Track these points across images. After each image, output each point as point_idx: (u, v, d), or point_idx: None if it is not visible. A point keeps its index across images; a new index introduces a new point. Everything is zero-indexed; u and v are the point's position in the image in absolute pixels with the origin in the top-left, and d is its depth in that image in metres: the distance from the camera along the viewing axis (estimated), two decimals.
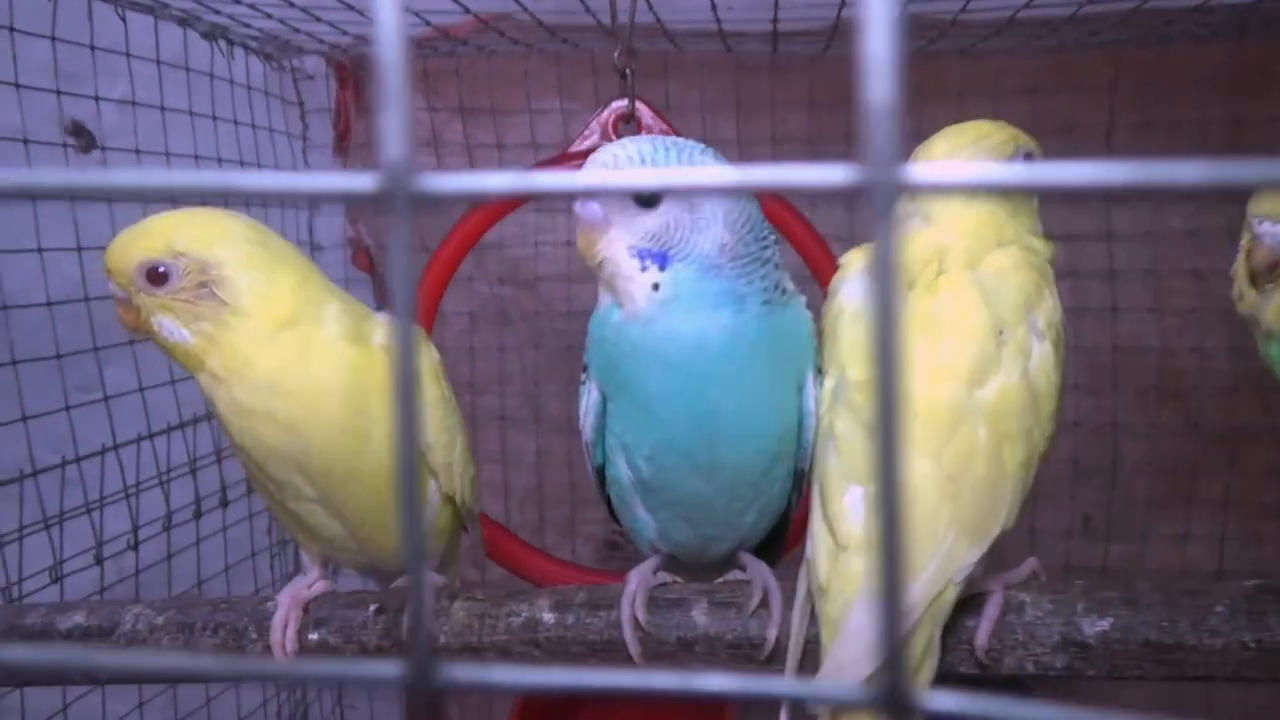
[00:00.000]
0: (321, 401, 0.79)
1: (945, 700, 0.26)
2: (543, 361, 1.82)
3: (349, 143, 1.81)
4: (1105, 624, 0.78)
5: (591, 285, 1.84)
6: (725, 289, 0.80)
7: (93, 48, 1.30)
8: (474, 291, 1.82)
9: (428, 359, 0.88)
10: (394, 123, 0.25)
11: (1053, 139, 1.58)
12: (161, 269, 0.78)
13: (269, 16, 1.30)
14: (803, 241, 1.25)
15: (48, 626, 0.84)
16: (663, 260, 0.79)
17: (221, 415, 0.81)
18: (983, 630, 0.79)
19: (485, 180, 0.26)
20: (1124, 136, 1.64)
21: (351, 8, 1.25)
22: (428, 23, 1.34)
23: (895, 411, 0.25)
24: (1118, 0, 1.24)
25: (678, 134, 1.28)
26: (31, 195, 0.29)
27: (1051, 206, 1.66)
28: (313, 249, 1.81)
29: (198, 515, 1.43)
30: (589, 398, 0.89)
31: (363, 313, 0.87)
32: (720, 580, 0.88)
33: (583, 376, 0.90)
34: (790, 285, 0.85)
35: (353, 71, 1.77)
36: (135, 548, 1.32)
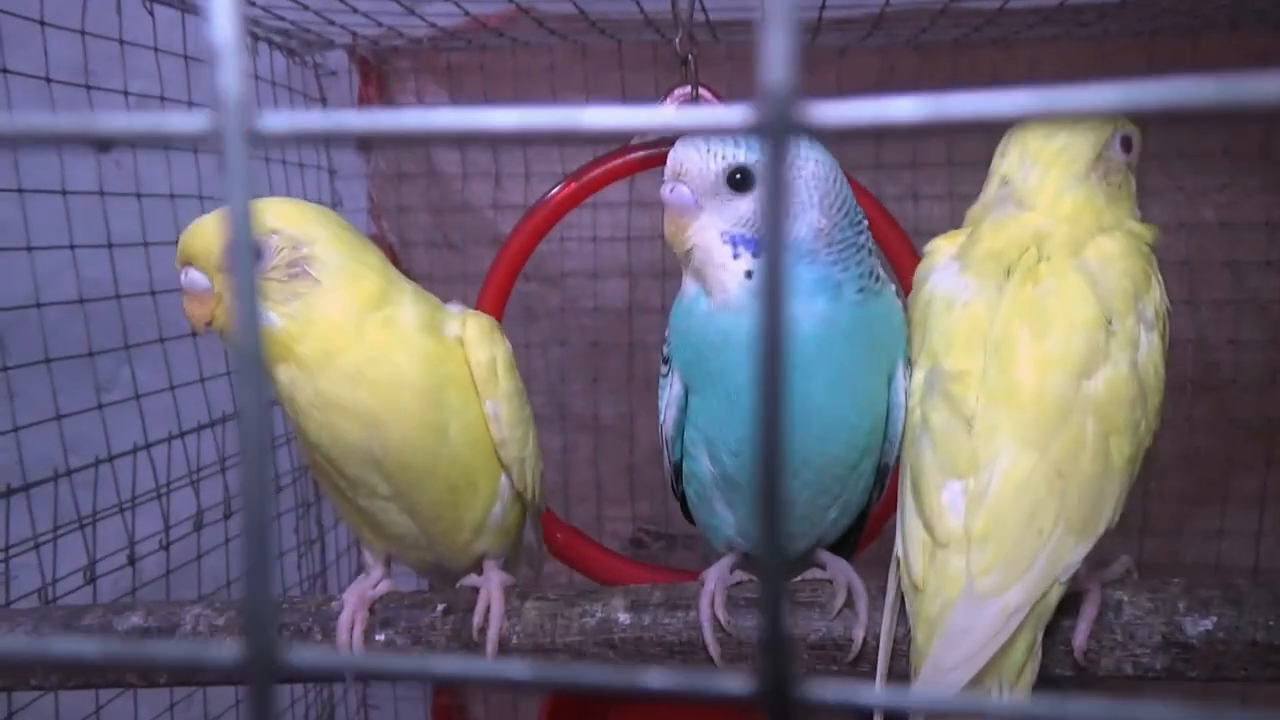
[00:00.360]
0: (402, 394, 0.77)
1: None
2: (568, 358, 1.81)
3: (373, 139, 1.79)
4: (1209, 623, 0.76)
5: (616, 281, 1.83)
6: (821, 275, 0.78)
7: (121, 42, 1.29)
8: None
9: (503, 350, 0.86)
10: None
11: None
12: (255, 247, 0.76)
13: (305, 8, 1.29)
14: (883, 233, 1.22)
15: (105, 628, 0.82)
16: (756, 247, 0.77)
17: (301, 410, 0.78)
18: (1080, 631, 0.77)
19: (884, 107, 0.24)
20: (1156, 127, 1.62)
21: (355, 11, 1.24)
22: (466, 12, 1.32)
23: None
24: None
25: None
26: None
27: None
28: None
29: (227, 515, 1.41)
30: (671, 390, 0.87)
31: (435, 303, 0.85)
32: (799, 579, 0.86)
33: (663, 369, 0.88)
34: (884, 272, 0.83)
35: (375, 66, 1.76)
36: (167, 548, 1.30)
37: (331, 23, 1.39)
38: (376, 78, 1.77)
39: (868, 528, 0.95)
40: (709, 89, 1.18)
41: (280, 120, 0.25)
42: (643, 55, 1.66)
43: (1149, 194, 1.65)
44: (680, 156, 0.79)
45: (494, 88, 1.73)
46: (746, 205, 0.77)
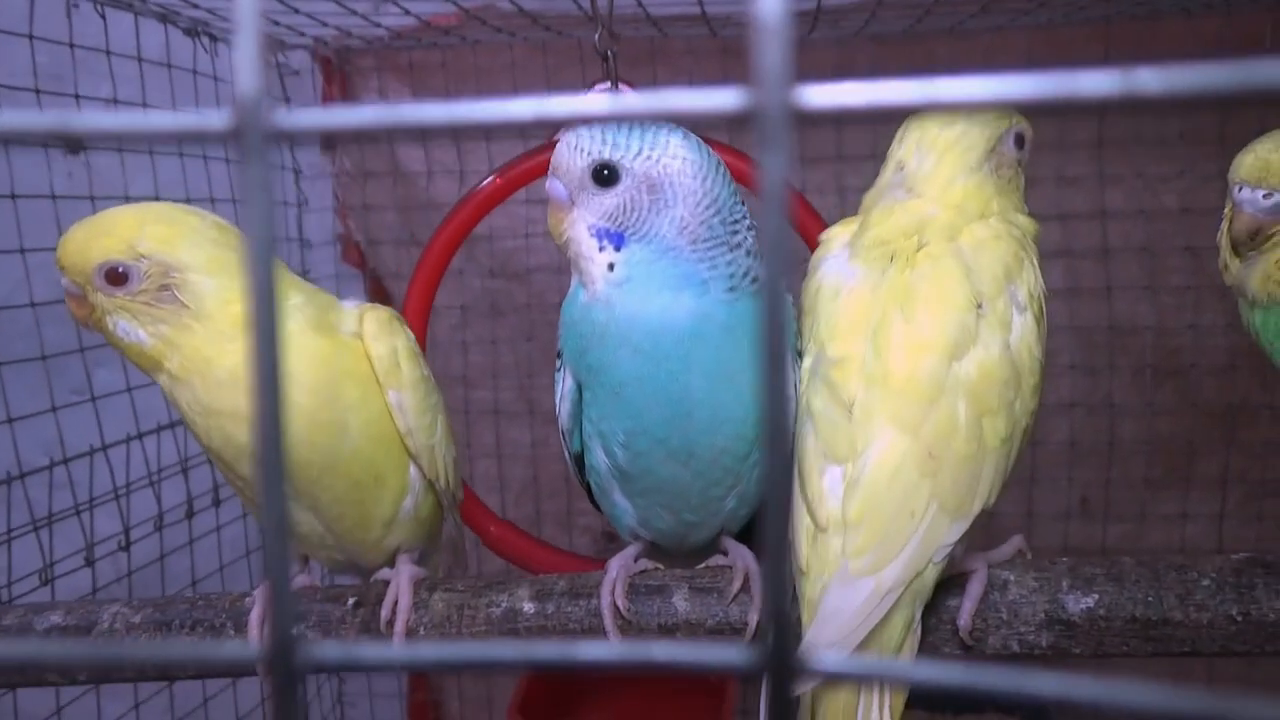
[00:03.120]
0: (289, 394, 0.78)
1: (830, 660, 0.25)
2: (535, 354, 1.81)
3: (337, 138, 1.80)
4: (1090, 600, 0.77)
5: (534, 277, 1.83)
6: (684, 272, 0.79)
7: (72, 46, 1.29)
8: (465, 285, 1.81)
9: (403, 340, 0.86)
10: (247, 55, 0.24)
11: (1045, 116, 1.57)
12: (121, 270, 0.75)
13: None
14: (801, 220, 1.24)
15: (25, 627, 0.83)
16: (619, 240, 0.79)
17: (186, 415, 0.79)
18: (965, 610, 0.78)
19: (340, 115, 0.25)
20: (1114, 113, 1.63)
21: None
22: (409, 14, 1.33)
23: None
24: None
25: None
26: None
27: (1045, 186, 1.66)
28: (302, 245, 1.81)
29: (189, 515, 1.42)
30: (564, 384, 0.88)
31: (328, 302, 0.85)
32: (702, 566, 0.87)
33: (557, 363, 0.89)
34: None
35: (338, 66, 1.77)
36: (127, 548, 1.31)
37: (277, 23, 1.39)
38: (340, 77, 1.78)
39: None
40: (628, 84, 1.19)
41: (303, 118, 0.25)
42: (586, 52, 1.67)
43: (1109, 180, 1.67)
44: (556, 153, 0.80)
45: (456, 85, 1.74)
46: (611, 200, 0.79)
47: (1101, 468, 1.65)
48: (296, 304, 0.81)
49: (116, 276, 0.76)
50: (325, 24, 1.39)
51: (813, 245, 1.20)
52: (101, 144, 1.54)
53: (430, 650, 0.27)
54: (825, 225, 1.25)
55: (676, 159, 0.79)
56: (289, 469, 0.78)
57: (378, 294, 1.82)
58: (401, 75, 1.77)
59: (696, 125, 0.97)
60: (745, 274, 0.81)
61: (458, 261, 1.80)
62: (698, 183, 0.79)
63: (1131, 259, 1.64)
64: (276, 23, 1.39)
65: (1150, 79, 0.23)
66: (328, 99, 1.78)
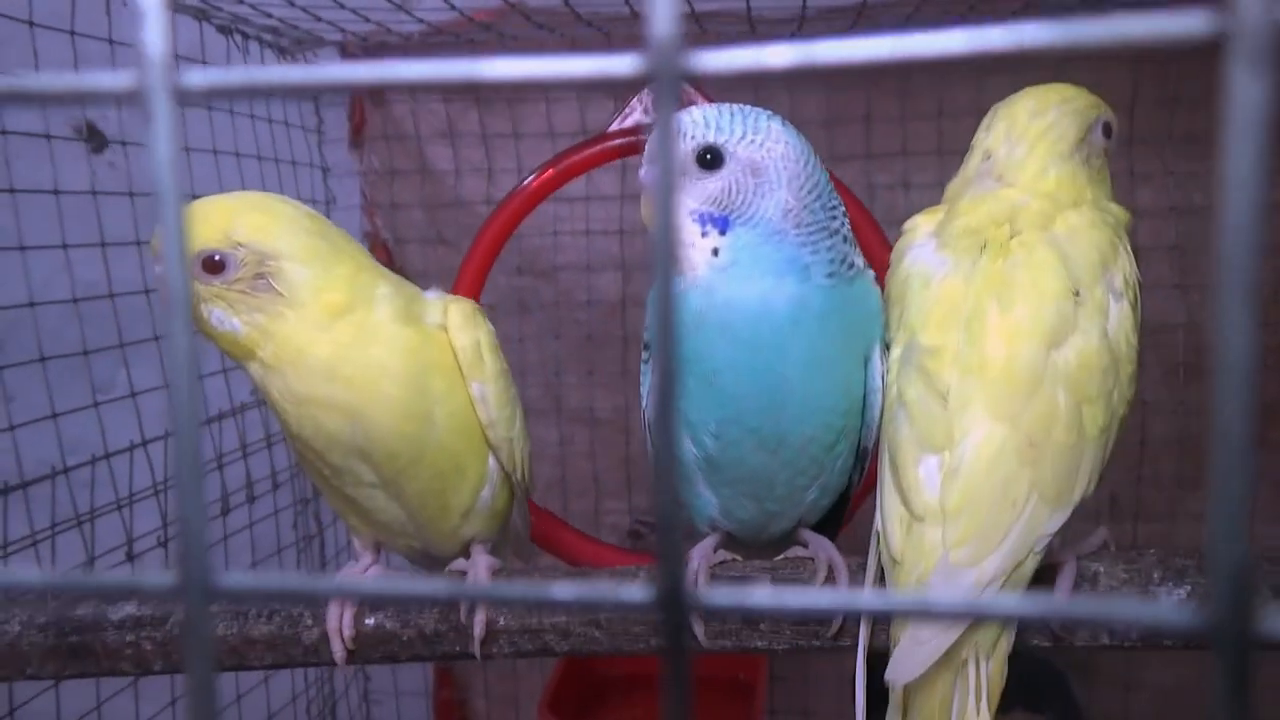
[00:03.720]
0: (381, 384, 0.77)
1: (721, 596, 0.26)
2: (563, 351, 1.81)
3: (364, 135, 1.80)
4: (1182, 591, 0.77)
5: (609, 274, 1.84)
6: (789, 256, 0.78)
7: (111, 42, 1.29)
8: (493, 282, 1.79)
9: (486, 332, 0.86)
10: (663, 2, 0.25)
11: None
12: (218, 258, 0.75)
13: (291, 4, 1.29)
14: (856, 223, 1.24)
15: (99, 618, 0.83)
16: (723, 224, 0.78)
17: (276, 404, 0.79)
18: (1059, 597, 0.77)
19: (761, 54, 0.25)
20: (1145, 110, 1.63)
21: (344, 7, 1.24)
22: (454, 7, 1.33)
23: None
24: None
25: None
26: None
27: None
28: None
29: (224, 511, 1.42)
30: (652, 376, 0.88)
31: (413, 293, 0.85)
32: (781, 557, 0.87)
33: (644, 355, 0.89)
34: (860, 261, 0.84)
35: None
36: (165, 544, 1.31)
37: (319, 19, 1.39)
38: None
39: (850, 508, 0.96)
40: (695, 84, 1.19)
41: (201, 77, 0.26)
42: (633, 47, 1.67)
43: (1140, 178, 1.67)
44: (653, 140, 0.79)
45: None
46: (715, 184, 0.78)
47: (1132, 466, 1.65)
48: (385, 293, 0.81)
49: (213, 265, 0.76)
50: (368, 19, 1.39)
51: (865, 244, 1.20)
52: (133, 140, 1.54)
53: (339, 584, 0.27)
54: (875, 221, 1.26)
55: (780, 143, 0.79)
56: (378, 458, 0.79)
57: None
58: None
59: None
60: (843, 260, 0.81)
61: None
62: (800, 166, 0.79)
63: (1162, 257, 1.64)
64: (319, 18, 1.39)
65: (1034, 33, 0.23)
66: (356, 97, 1.78)
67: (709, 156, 0.78)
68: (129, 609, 0.83)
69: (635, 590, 0.26)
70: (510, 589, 0.28)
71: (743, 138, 0.78)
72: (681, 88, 0.89)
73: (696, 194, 0.79)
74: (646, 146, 0.81)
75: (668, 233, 0.25)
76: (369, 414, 0.77)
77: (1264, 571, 0.77)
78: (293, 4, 1.29)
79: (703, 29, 1.48)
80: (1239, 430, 0.22)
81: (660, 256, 0.25)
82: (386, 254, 1.83)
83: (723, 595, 0.27)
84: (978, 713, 0.71)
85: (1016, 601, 0.39)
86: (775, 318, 0.78)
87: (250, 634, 0.84)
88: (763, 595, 0.27)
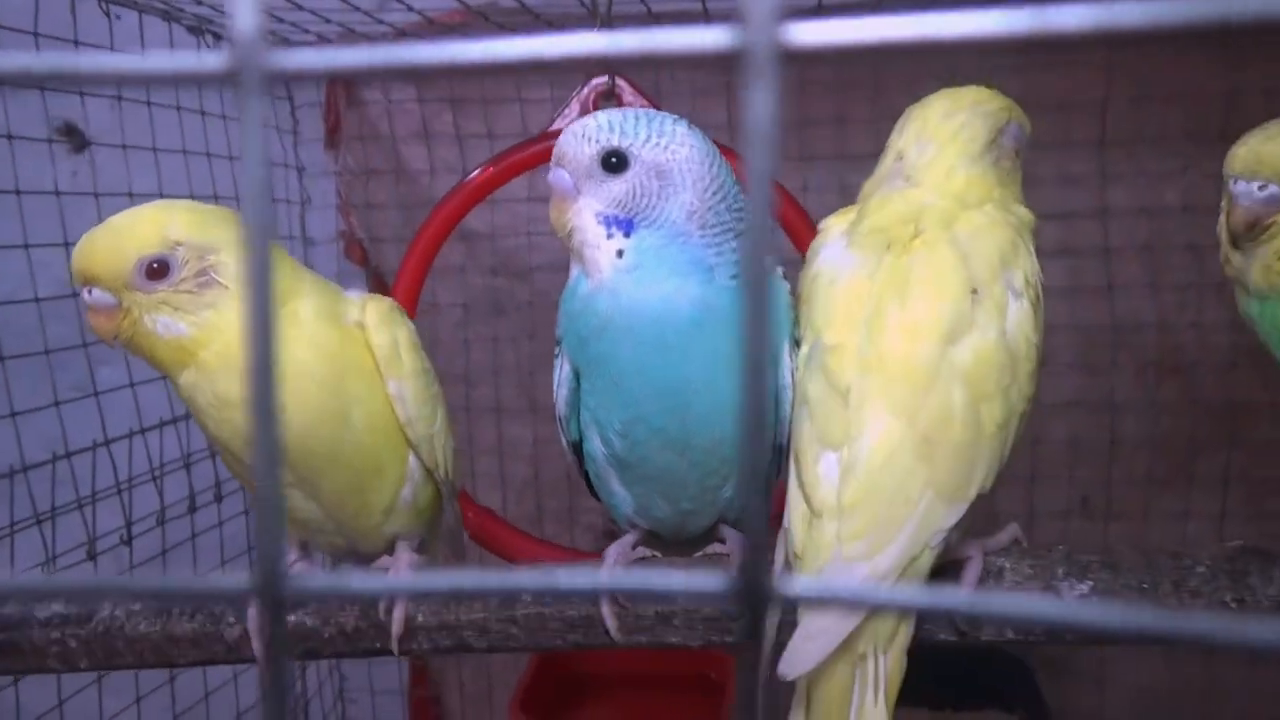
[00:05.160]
0: (301, 385, 0.78)
1: (805, 585, 0.26)
2: (537, 351, 1.82)
3: (339, 136, 1.80)
4: (1085, 587, 0.77)
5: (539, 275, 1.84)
6: (693, 258, 0.79)
7: (76, 43, 1.30)
8: (467, 283, 1.81)
9: (405, 330, 0.87)
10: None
11: (1048, 113, 1.57)
12: (161, 261, 0.76)
13: None
14: (788, 218, 1.25)
15: (25, 617, 0.84)
16: (628, 227, 0.79)
17: (201, 410, 0.80)
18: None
19: (339, 56, 0.25)
20: (1119, 108, 1.63)
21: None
22: (413, 10, 1.34)
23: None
24: None
25: (660, 109, 1.29)
26: None
27: (1047, 185, 1.67)
28: (305, 243, 1.82)
29: (192, 510, 1.43)
30: (561, 372, 0.89)
31: (335, 291, 0.86)
32: (699, 554, 0.87)
33: (556, 350, 0.89)
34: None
35: None
36: (129, 543, 1.32)
37: (281, 20, 1.40)
38: (343, 75, 1.78)
39: (773, 504, 0.96)
40: (628, 80, 1.20)
41: (300, 58, 0.25)
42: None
43: (1111, 178, 1.67)
44: (561, 143, 0.81)
45: (459, 83, 1.74)
46: (620, 187, 0.79)
47: (1103, 466, 1.65)
48: (310, 290, 0.82)
49: (155, 271, 0.76)
50: (329, 20, 1.39)
51: (795, 237, 1.21)
52: (104, 142, 1.55)
53: (411, 581, 0.27)
54: (808, 217, 1.27)
55: (685, 146, 0.79)
56: (293, 458, 0.80)
57: (380, 291, 1.82)
58: (406, 74, 1.78)
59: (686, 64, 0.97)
60: None
61: (458, 259, 1.82)
62: (704, 168, 0.80)
63: (1133, 257, 1.64)
64: (280, 19, 1.39)
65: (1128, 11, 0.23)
66: (330, 96, 1.79)
67: (613, 160, 0.79)
68: (56, 607, 0.84)
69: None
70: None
71: (647, 140, 0.79)
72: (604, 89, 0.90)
73: (601, 196, 0.79)
74: (556, 149, 0.81)
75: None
76: (287, 415, 0.78)
77: (1167, 566, 0.77)
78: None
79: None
80: (753, 409, 0.22)
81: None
82: (362, 253, 1.84)
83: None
84: (875, 704, 0.71)
85: (911, 592, 0.39)
86: (678, 319, 0.78)
87: (173, 632, 0.85)
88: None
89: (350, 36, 1.58)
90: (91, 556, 1.24)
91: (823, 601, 0.25)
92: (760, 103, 0.22)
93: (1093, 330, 1.65)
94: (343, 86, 1.78)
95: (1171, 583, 0.77)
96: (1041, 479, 1.67)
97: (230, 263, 0.77)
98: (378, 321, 0.83)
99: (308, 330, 0.80)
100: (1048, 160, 1.66)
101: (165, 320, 0.77)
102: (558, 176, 0.81)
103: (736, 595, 0.25)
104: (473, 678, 1.87)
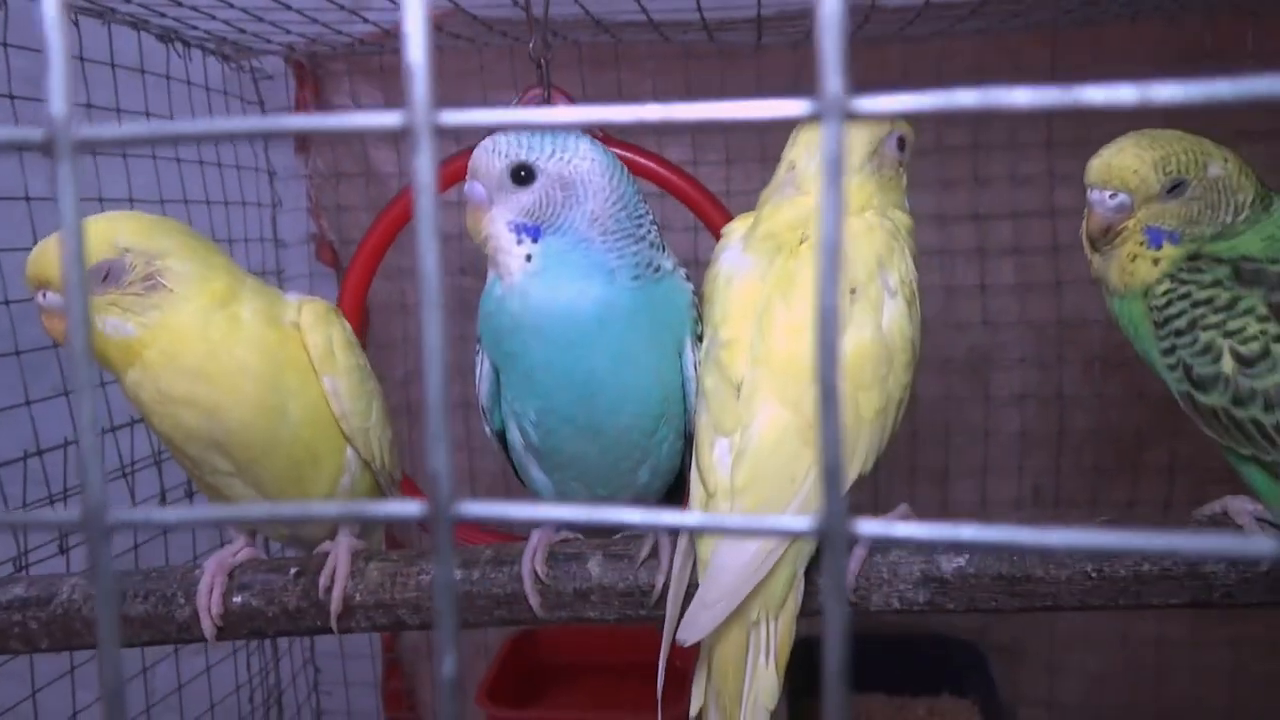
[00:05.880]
0: (239, 382, 0.84)
1: (872, 527, 0.31)
2: None
3: (310, 140, 1.84)
4: (961, 560, 0.84)
5: None
6: (596, 261, 0.85)
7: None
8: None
9: (339, 330, 0.92)
10: (56, 79, 0.29)
11: (1000, 118, 1.62)
12: (111, 267, 0.82)
13: (212, 18, 1.34)
14: (699, 205, 1.35)
15: None
16: (535, 233, 0.85)
17: (146, 406, 0.85)
18: (850, 570, 0.85)
19: (136, 128, 0.30)
20: (1063, 115, 1.68)
21: (289, 7, 1.29)
22: (369, 21, 1.38)
23: None
24: None
25: (603, 131, 1.35)
26: None
27: (999, 185, 1.72)
28: (277, 245, 1.86)
29: (163, 505, 1.47)
30: (481, 368, 0.94)
31: (274, 294, 0.91)
32: (619, 536, 0.93)
33: (476, 348, 0.95)
34: (668, 264, 0.90)
35: (311, 70, 1.81)
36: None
37: (243, 30, 1.44)
38: (312, 80, 1.82)
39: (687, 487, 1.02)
40: (562, 91, 1.26)
41: (455, 117, 0.30)
42: (568, 55, 1.72)
43: (1059, 179, 1.72)
44: (475, 157, 0.87)
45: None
46: (528, 197, 0.85)
47: (1052, 456, 1.70)
48: (250, 292, 0.88)
49: (106, 275, 0.82)
50: (289, 31, 1.43)
51: (712, 226, 1.28)
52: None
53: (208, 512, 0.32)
54: (729, 216, 1.33)
55: (586, 160, 0.86)
56: (234, 449, 0.85)
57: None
58: (373, 79, 1.82)
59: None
60: (649, 264, 0.88)
61: None
62: (605, 179, 0.86)
63: (1080, 255, 1.66)
64: (243, 30, 1.43)
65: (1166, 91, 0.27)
66: (301, 102, 1.83)
67: (522, 173, 0.85)
68: (17, 590, 0.89)
69: (804, 521, 0.30)
70: (644, 515, 0.32)
71: (552, 155, 0.85)
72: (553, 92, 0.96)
73: (511, 206, 0.85)
74: (470, 163, 0.86)
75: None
76: (225, 410, 0.84)
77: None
78: (214, 18, 1.34)
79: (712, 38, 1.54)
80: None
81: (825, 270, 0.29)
82: (333, 254, 1.88)
83: (873, 527, 0.31)
84: (767, 666, 0.78)
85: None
86: (583, 317, 0.84)
87: (127, 613, 0.90)
88: (908, 527, 0.31)
89: (313, 45, 1.62)
90: (63, 550, 1.28)
91: (894, 541, 0.30)
92: (830, 144, 0.28)
93: (1043, 326, 1.71)
94: (312, 91, 1.82)
95: (1039, 555, 0.84)
96: (994, 470, 1.72)
97: (176, 267, 0.83)
98: (312, 322, 0.89)
99: (246, 331, 0.85)
100: (999, 160, 1.72)
101: (114, 321, 0.82)
102: (472, 188, 0.87)
103: (822, 533, 0.29)
104: None
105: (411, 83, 0.30)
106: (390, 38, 1.49)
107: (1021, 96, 0.29)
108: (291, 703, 1.82)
